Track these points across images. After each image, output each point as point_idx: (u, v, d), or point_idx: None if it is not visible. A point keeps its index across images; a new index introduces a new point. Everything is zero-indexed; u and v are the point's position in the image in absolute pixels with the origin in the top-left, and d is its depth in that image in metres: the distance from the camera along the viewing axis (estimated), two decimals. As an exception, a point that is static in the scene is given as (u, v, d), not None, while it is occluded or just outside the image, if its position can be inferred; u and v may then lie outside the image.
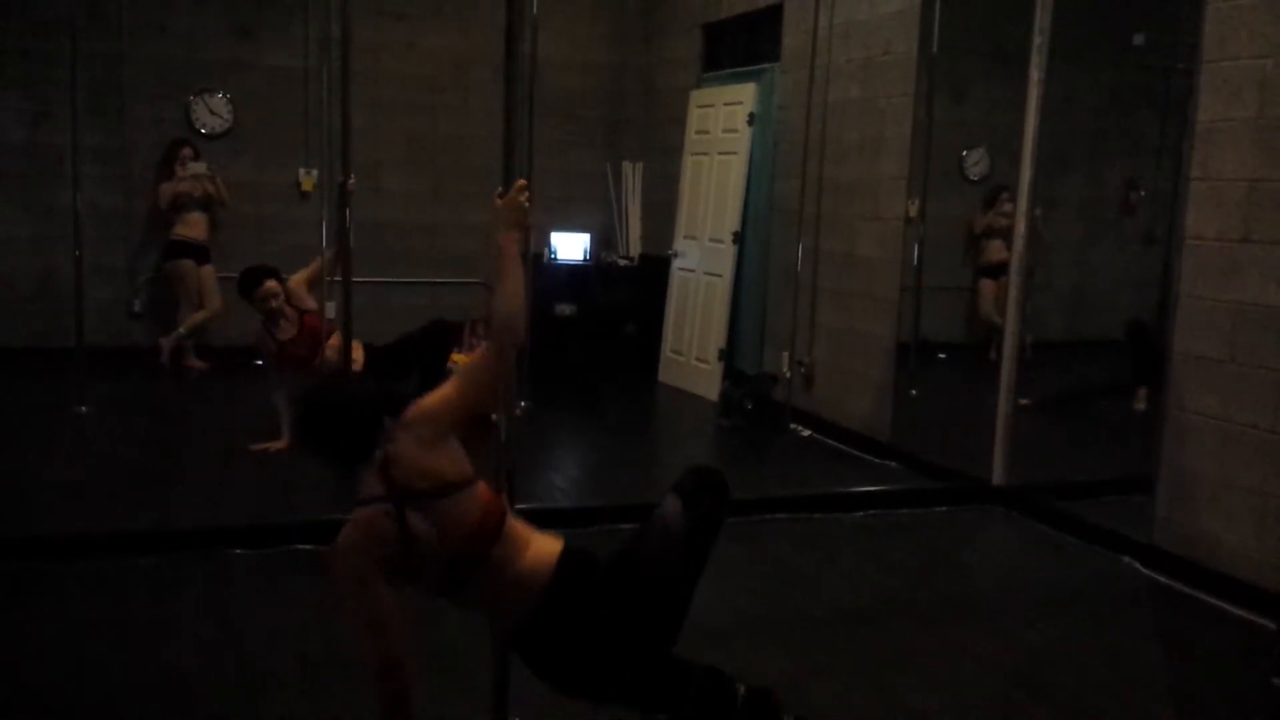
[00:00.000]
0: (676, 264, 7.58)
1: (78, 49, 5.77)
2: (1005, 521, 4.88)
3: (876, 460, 5.63)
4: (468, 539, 2.31)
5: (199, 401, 6.67)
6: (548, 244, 7.98)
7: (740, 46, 7.43)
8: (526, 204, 2.56)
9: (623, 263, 8.11)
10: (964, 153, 6.21)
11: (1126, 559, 4.28)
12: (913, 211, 5.68)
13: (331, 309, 5.27)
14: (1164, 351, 4.18)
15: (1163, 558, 4.15)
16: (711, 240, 7.19)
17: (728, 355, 7.00)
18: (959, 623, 3.67)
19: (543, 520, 4.02)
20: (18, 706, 2.80)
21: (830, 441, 6.03)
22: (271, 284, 5.28)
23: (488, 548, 2.32)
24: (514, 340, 2.44)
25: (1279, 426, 3.76)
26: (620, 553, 2.48)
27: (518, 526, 2.42)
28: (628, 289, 7.92)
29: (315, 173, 7.51)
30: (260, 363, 5.65)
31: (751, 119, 6.93)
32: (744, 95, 7.01)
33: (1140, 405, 5.45)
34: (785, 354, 6.46)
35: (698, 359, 7.23)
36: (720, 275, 7.05)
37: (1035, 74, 4.86)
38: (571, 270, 7.99)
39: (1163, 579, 4.10)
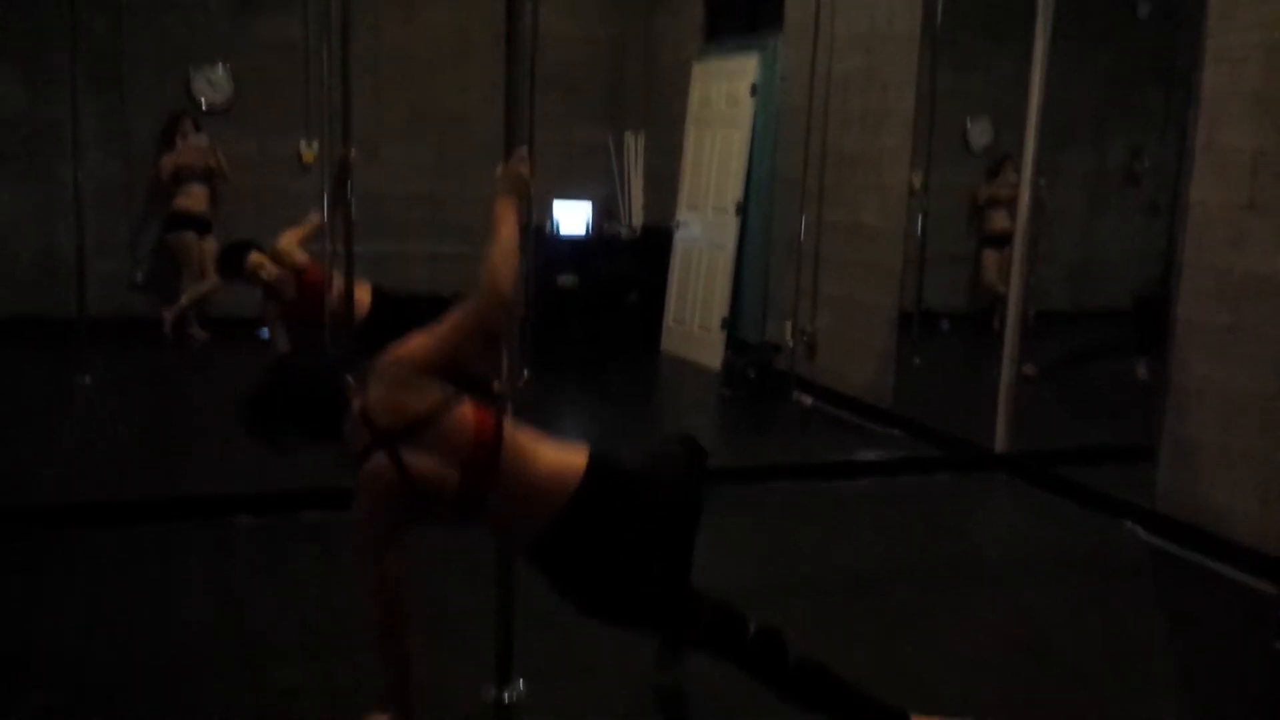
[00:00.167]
0: (679, 235, 7.56)
1: (77, 21, 5.75)
2: (1008, 489, 4.89)
3: (879, 428, 5.64)
4: (468, 458, 2.31)
5: (201, 372, 6.68)
6: (550, 215, 7.96)
7: (742, 17, 7.38)
8: (526, 173, 2.55)
9: (625, 234, 8.10)
10: (968, 123, 6.18)
11: (1129, 525, 4.29)
12: (916, 182, 5.67)
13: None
14: (1168, 321, 4.17)
15: (1165, 524, 4.16)
16: (714, 211, 7.18)
17: (730, 325, 7.00)
18: (962, 589, 3.68)
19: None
20: (25, 674, 2.81)
21: (833, 410, 6.04)
22: (254, 256, 5.21)
23: (491, 463, 2.33)
24: (494, 300, 2.41)
25: (1282, 393, 3.77)
26: (639, 468, 2.53)
27: (524, 439, 2.42)
28: (630, 260, 7.91)
29: (316, 144, 7.48)
30: (265, 334, 5.62)
31: (754, 90, 6.90)
32: (747, 66, 6.97)
33: (1142, 373, 5.45)
34: (788, 323, 6.46)
35: (700, 329, 7.23)
36: (723, 246, 7.04)
37: (1040, 43, 4.83)
38: (574, 242, 7.97)
39: (1165, 545, 4.11)
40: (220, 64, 7.52)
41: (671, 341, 7.56)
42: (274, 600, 3.35)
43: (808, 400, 6.21)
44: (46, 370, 6.17)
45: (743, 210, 6.96)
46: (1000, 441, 5.08)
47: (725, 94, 7.18)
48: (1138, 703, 2.92)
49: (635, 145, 8.17)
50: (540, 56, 6.20)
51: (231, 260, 5.28)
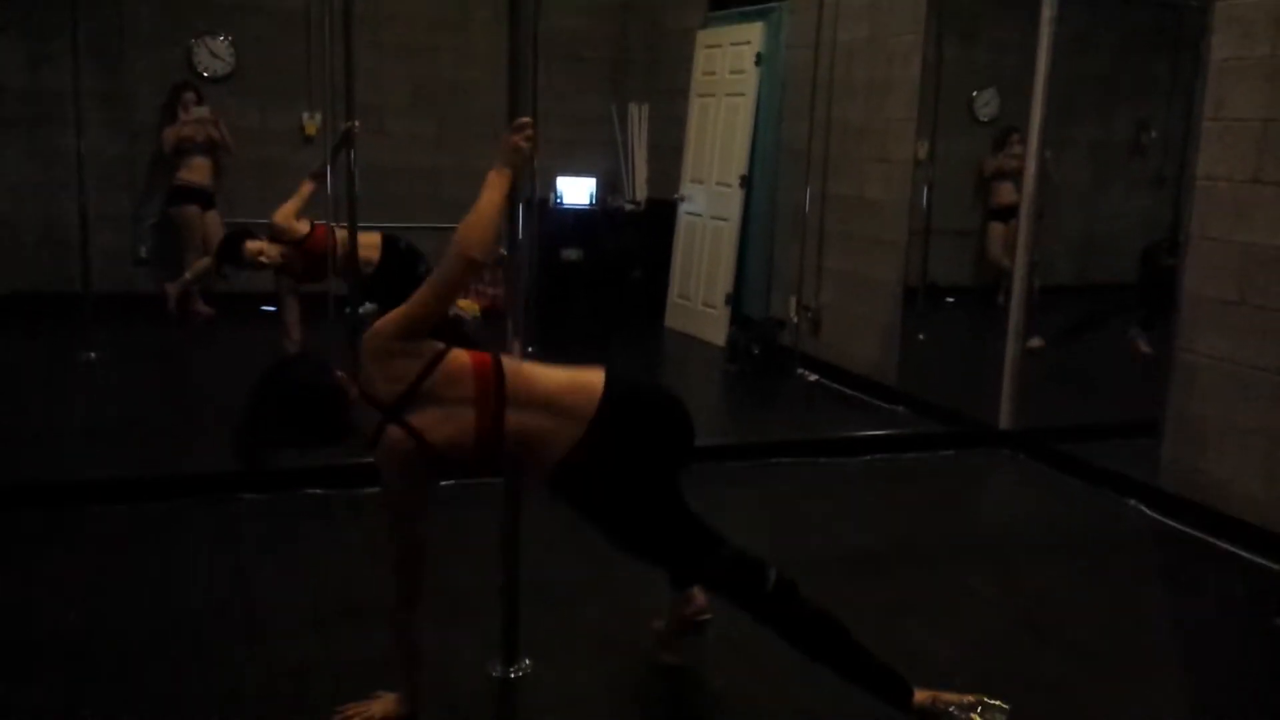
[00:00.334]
0: (683, 208, 7.53)
1: (77, -9, 5.71)
2: (1012, 465, 4.89)
3: (883, 404, 5.63)
4: (476, 396, 2.34)
5: (206, 347, 6.68)
6: (553, 189, 7.93)
7: (747, -15, 7.32)
8: (525, 145, 2.54)
9: (629, 207, 8.06)
10: (974, 93, 6.13)
11: (1132, 502, 4.30)
12: (921, 153, 5.63)
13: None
14: (1175, 279, 4.14)
15: (1169, 500, 4.16)
16: (718, 184, 7.14)
17: (734, 300, 6.99)
18: (965, 565, 3.69)
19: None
20: (32, 651, 2.83)
21: (837, 386, 6.03)
22: (250, 245, 5.19)
23: (499, 394, 2.35)
24: (462, 262, 2.42)
25: (1288, 369, 3.76)
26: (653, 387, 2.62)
27: (528, 367, 2.45)
28: (634, 234, 7.88)
29: (319, 116, 7.45)
30: (273, 308, 5.60)
31: (759, 59, 6.85)
32: (751, 35, 6.91)
33: (1146, 348, 5.43)
34: (792, 299, 6.44)
35: (704, 304, 7.21)
36: (727, 219, 7.01)
37: (1047, 13, 4.78)
38: (577, 215, 7.94)
39: (1168, 522, 4.12)
40: (222, 35, 7.48)
41: (675, 317, 7.55)
42: (279, 577, 3.36)
43: (812, 376, 6.20)
44: (50, 346, 6.18)
45: (747, 183, 6.93)
46: (1004, 418, 5.07)
47: (730, 63, 7.12)
48: (1139, 678, 2.93)
49: (639, 117, 8.11)
50: (543, 26, 6.18)
51: (229, 253, 5.27)
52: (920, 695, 2.52)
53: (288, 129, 7.64)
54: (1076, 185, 6.14)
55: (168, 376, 5.98)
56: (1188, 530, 4.04)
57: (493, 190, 2.50)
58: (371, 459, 2.39)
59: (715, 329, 6.96)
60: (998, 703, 2.56)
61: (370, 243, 5.21)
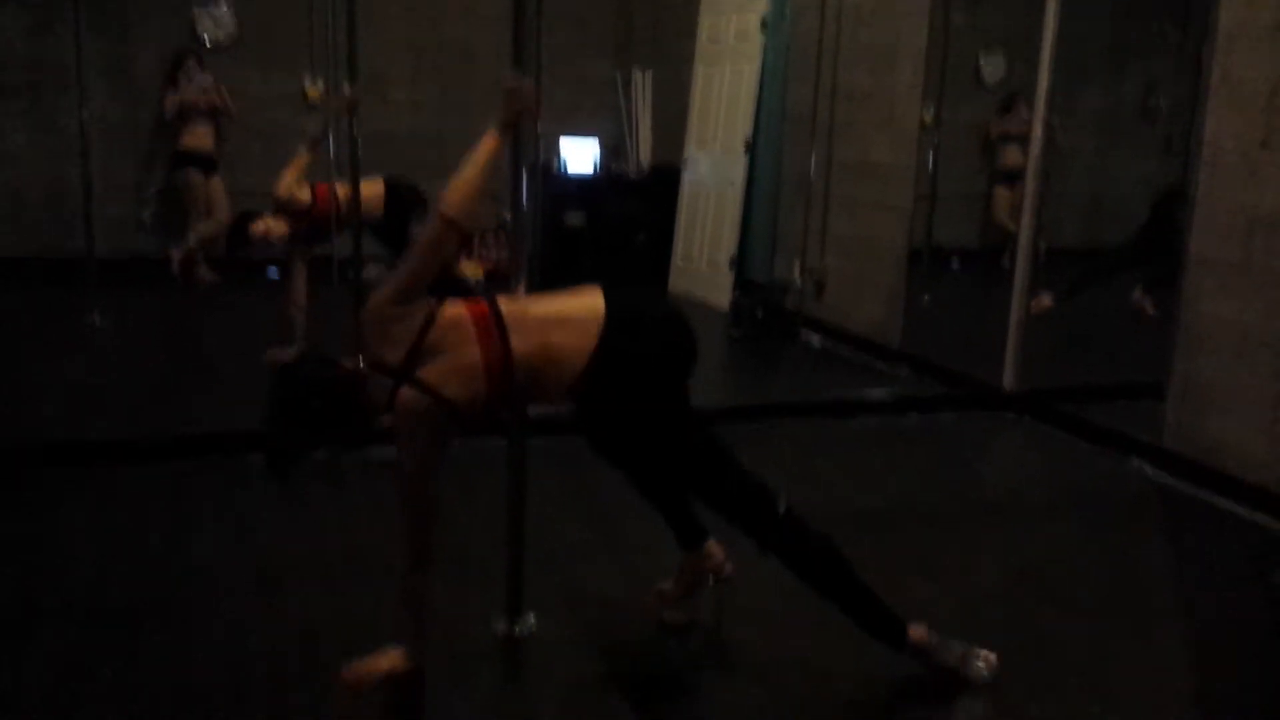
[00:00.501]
0: (687, 174, 7.51)
1: (79, -43, 5.69)
2: (1015, 426, 4.90)
3: (887, 367, 5.64)
4: (479, 338, 2.35)
5: (210, 312, 6.70)
6: (557, 154, 7.91)
7: (752, -52, 7.26)
8: (524, 91, 2.52)
9: (633, 173, 8.04)
10: (981, 57, 6.09)
11: (1136, 462, 4.31)
12: (928, 118, 5.60)
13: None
14: (1185, 219, 4.12)
15: (1172, 461, 4.17)
16: (723, 150, 7.11)
17: (739, 264, 6.98)
18: (968, 526, 3.71)
19: (554, 430, 4.08)
20: (39, 610, 2.86)
21: (841, 349, 6.04)
22: (256, 226, 5.18)
23: (501, 332, 2.36)
24: (442, 221, 2.40)
25: (1293, 330, 3.75)
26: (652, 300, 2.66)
27: (525, 301, 2.48)
28: (638, 199, 7.86)
29: (320, 82, 7.42)
30: (273, 273, 5.61)
31: (764, 24, 6.80)
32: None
33: (1150, 309, 5.41)
34: (796, 262, 6.44)
35: (708, 268, 7.20)
36: (732, 184, 6.99)
37: (1054, -26, 4.75)
38: (581, 181, 7.93)
39: (1172, 482, 4.13)
40: (224, 2, 7.44)
41: (679, 281, 7.54)
42: (287, 536, 3.38)
43: (816, 339, 6.21)
44: (56, 311, 6.20)
45: (751, 148, 6.90)
46: (1008, 379, 5.08)
47: (734, 28, 7.08)
48: (1140, 635, 2.95)
49: (643, 82, 8.07)
50: (547, -10, 6.14)
51: (238, 238, 5.24)
52: (915, 632, 2.57)
53: (290, 94, 7.61)
54: (1083, 149, 6.11)
55: (172, 340, 6.00)
56: (1190, 490, 4.05)
57: (480, 151, 2.48)
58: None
59: (719, 293, 6.96)
60: (985, 653, 2.61)
61: (373, 193, 5.21)
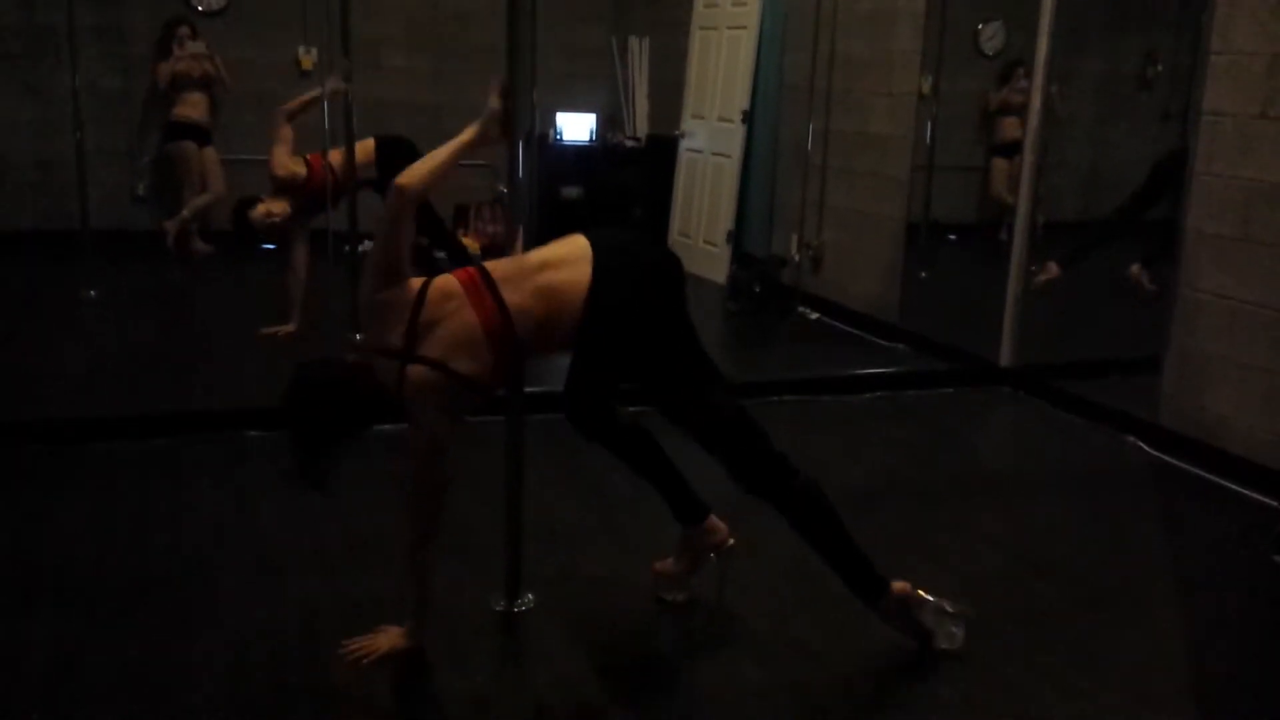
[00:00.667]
0: (684, 144, 7.46)
1: (68, -77, 5.61)
2: (1013, 402, 4.91)
3: (884, 342, 5.63)
4: (474, 304, 2.37)
5: (206, 285, 6.67)
6: (553, 124, 7.85)
7: (750, -85, 7.17)
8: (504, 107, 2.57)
9: (629, 143, 7.99)
10: (979, 26, 6.04)
11: (1132, 439, 4.31)
12: (926, 88, 5.56)
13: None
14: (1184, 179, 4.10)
15: (1169, 437, 4.18)
16: (720, 120, 7.07)
17: (736, 238, 6.95)
18: (966, 502, 3.72)
19: (553, 403, 4.06)
20: (36, 590, 2.86)
21: (838, 324, 6.03)
22: (257, 212, 5.14)
23: (494, 292, 2.38)
24: (394, 194, 2.44)
25: (1291, 306, 3.75)
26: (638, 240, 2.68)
27: (511, 261, 2.50)
28: (634, 171, 7.82)
29: (315, 51, 7.36)
30: (272, 245, 5.58)
31: (762, -12, 6.73)
32: (753, -34, 6.79)
33: (1148, 284, 5.40)
34: (794, 236, 6.42)
35: (705, 242, 7.18)
36: (729, 156, 6.95)
37: (1055, -57, 4.70)
38: (577, 151, 7.88)
39: (1168, 458, 4.14)
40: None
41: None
42: (286, 514, 3.38)
43: (813, 314, 6.20)
44: (50, 284, 6.17)
45: (749, 118, 6.86)
46: (1006, 355, 5.08)
47: (732, -7, 7.01)
48: (1138, 614, 2.97)
49: (639, 51, 8.01)
50: (542, -42, 6.09)
51: (242, 228, 5.20)
52: (897, 586, 2.60)
53: (284, 63, 7.55)
54: (1082, 120, 6.07)
55: (168, 314, 5.98)
56: (1187, 467, 4.06)
57: (454, 142, 2.53)
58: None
59: (716, 267, 6.94)
60: (960, 609, 2.65)
61: (365, 153, 5.18)
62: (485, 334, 2.37)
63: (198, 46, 6.99)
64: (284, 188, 5.13)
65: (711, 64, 7.17)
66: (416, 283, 2.43)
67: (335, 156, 5.17)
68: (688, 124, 7.43)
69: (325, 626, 2.67)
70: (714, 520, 2.86)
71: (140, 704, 2.37)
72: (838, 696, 2.55)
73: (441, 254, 5.33)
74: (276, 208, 5.11)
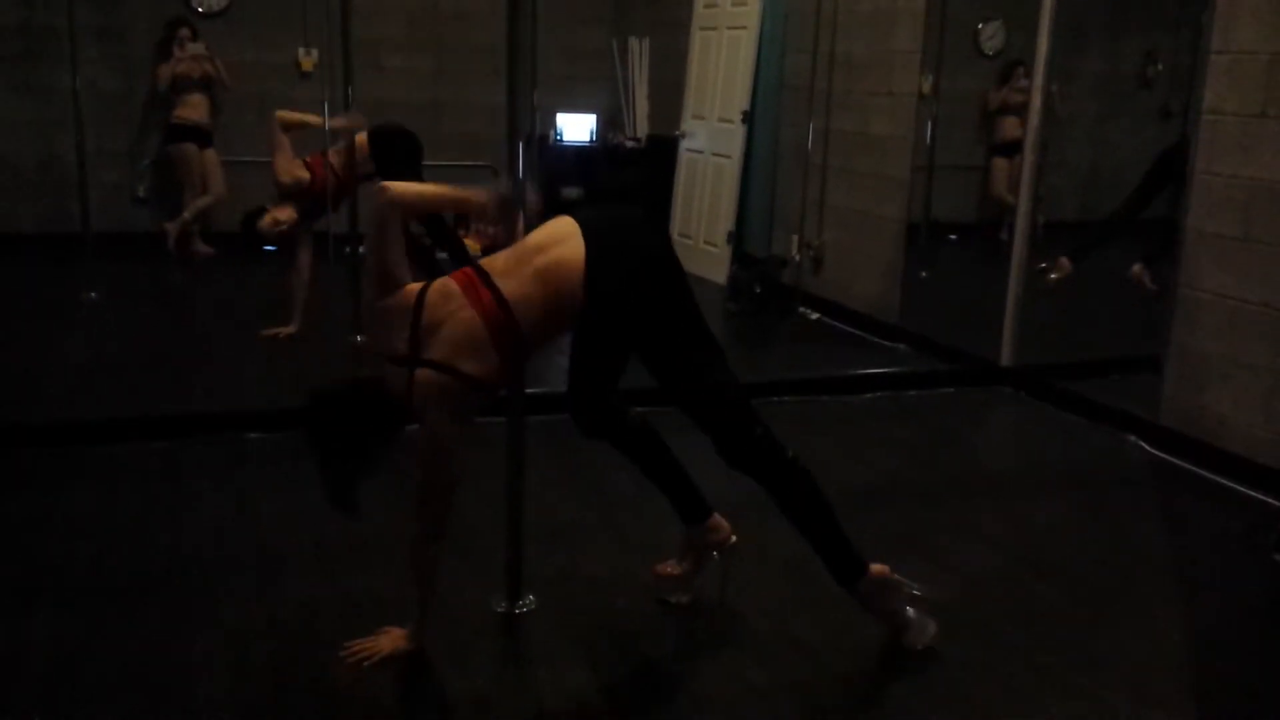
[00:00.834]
0: (685, 145, 7.46)
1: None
2: (1013, 402, 4.90)
3: (885, 342, 5.63)
4: (472, 303, 2.38)
5: (207, 287, 6.67)
6: (553, 125, 7.86)
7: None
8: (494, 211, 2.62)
9: (630, 144, 7.99)
10: (980, 25, 6.04)
11: (1133, 438, 4.31)
12: (926, 87, 5.56)
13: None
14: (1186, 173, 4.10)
15: (1169, 437, 4.18)
16: (720, 120, 7.06)
17: (736, 238, 6.95)
18: (966, 502, 3.72)
19: (554, 403, 4.06)
20: (36, 590, 2.86)
21: (839, 324, 6.03)
22: (265, 222, 5.15)
23: (493, 289, 2.39)
24: (381, 193, 2.49)
25: (1291, 306, 3.75)
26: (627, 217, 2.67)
27: (504, 255, 2.49)
28: (635, 171, 7.82)
29: (315, 52, 7.36)
30: (273, 248, 5.58)
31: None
32: (753, -33, 6.79)
33: (1148, 283, 5.40)
34: (794, 236, 6.42)
35: (706, 242, 7.18)
36: (729, 156, 6.95)
37: (1055, -57, 4.70)
38: (578, 151, 7.88)
39: (1169, 458, 4.14)
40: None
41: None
42: (286, 515, 3.38)
43: (813, 314, 6.20)
44: (51, 286, 6.17)
45: (749, 119, 6.86)
46: (1006, 355, 5.08)
47: (732, -7, 7.01)
48: (1138, 614, 2.96)
49: (640, 51, 8.01)
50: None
51: (252, 238, 5.20)
52: (875, 568, 2.62)
53: (284, 64, 7.56)
54: (1082, 119, 6.07)
55: (169, 315, 5.98)
56: (1187, 466, 4.06)
57: (445, 190, 2.62)
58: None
59: (717, 267, 6.94)
60: (927, 595, 2.71)
61: (360, 145, 5.18)
62: (487, 330, 2.37)
63: (198, 48, 7.00)
64: (289, 193, 5.14)
65: (712, 64, 7.17)
66: (415, 288, 2.44)
67: (335, 156, 5.18)
68: (688, 124, 7.43)
69: (325, 626, 2.67)
70: (717, 518, 2.87)
71: (140, 704, 2.36)
72: (838, 696, 2.55)
73: (443, 254, 5.31)
74: (283, 215, 5.12)
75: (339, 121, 5.13)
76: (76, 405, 4.23)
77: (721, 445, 2.56)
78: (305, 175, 5.16)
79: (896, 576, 2.66)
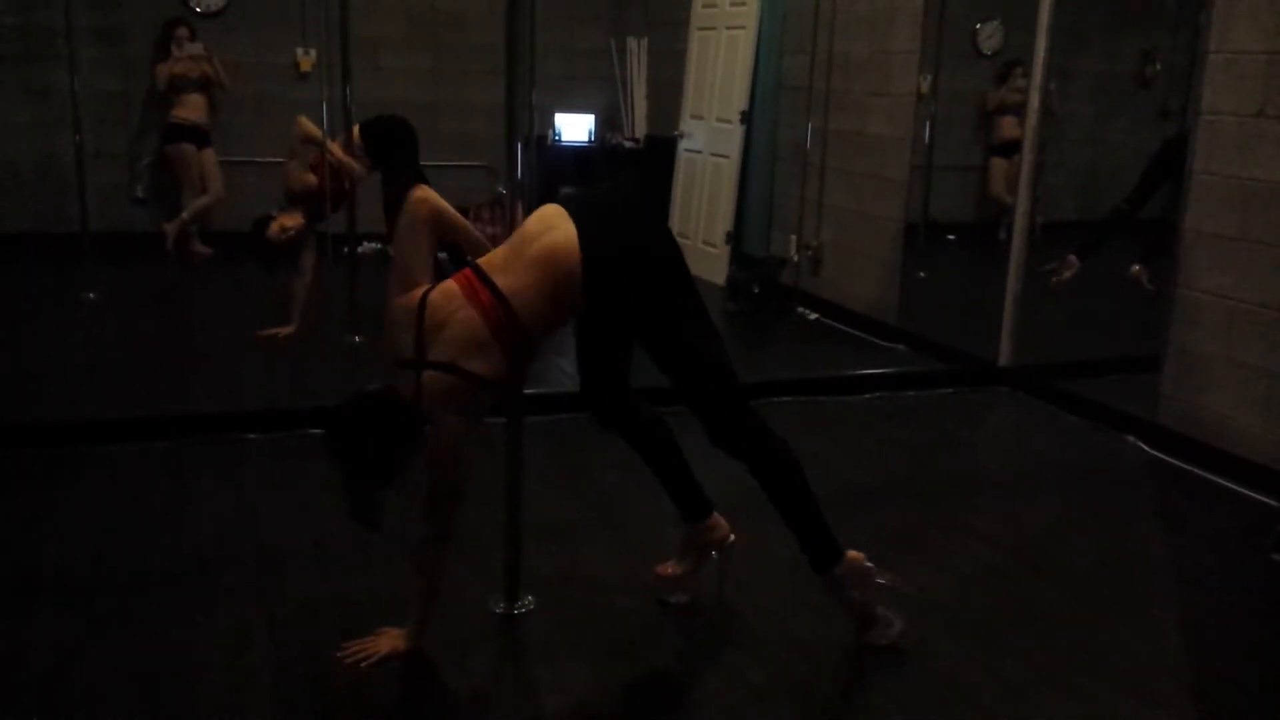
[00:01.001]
0: (683, 145, 7.46)
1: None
2: (1011, 402, 4.91)
3: (883, 343, 5.63)
4: (472, 303, 2.38)
5: (205, 287, 6.67)
6: (552, 125, 7.86)
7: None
8: None
9: (628, 144, 8.00)
10: (978, 25, 6.05)
11: (1131, 438, 4.32)
12: (924, 87, 5.57)
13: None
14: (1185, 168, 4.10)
15: (1167, 436, 4.18)
16: (719, 120, 7.07)
17: (735, 238, 6.96)
18: (964, 502, 3.72)
19: (553, 404, 4.07)
20: (35, 590, 2.86)
21: (837, 325, 6.03)
22: (273, 231, 5.15)
23: (492, 288, 2.39)
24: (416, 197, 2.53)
25: (1289, 306, 3.75)
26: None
27: (499, 252, 2.49)
28: (633, 171, 7.82)
29: (313, 52, 7.36)
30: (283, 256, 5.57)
31: (760, -12, 6.74)
32: (752, -33, 6.80)
33: (1147, 282, 5.40)
34: (793, 237, 6.42)
35: (704, 242, 7.18)
36: (727, 156, 6.95)
37: (1053, -57, 4.70)
38: (576, 152, 7.88)
39: (1167, 458, 4.14)
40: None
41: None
42: (285, 516, 3.38)
43: (812, 315, 6.20)
44: (50, 286, 6.17)
45: (747, 119, 6.86)
46: (1004, 355, 5.08)
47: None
48: (1137, 614, 2.97)
49: (638, 51, 8.02)
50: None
51: (262, 249, 5.19)
52: (851, 555, 2.65)
53: (282, 64, 7.56)
54: (1080, 119, 6.08)
55: (168, 316, 5.98)
56: (1186, 466, 4.06)
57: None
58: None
59: (715, 267, 6.94)
60: (899, 583, 2.77)
61: (353, 140, 5.19)
62: (488, 328, 2.37)
63: (196, 48, 6.99)
64: (297, 199, 5.16)
65: (710, 64, 7.17)
66: (418, 292, 2.45)
67: (335, 148, 5.17)
68: (686, 124, 7.43)
69: (325, 626, 2.67)
70: (716, 517, 2.88)
71: (140, 704, 2.36)
72: (836, 696, 2.56)
73: (443, 254, 5.32)
74: (291, 222, 5.14)
75: (349, 160, 5.15)
76: (76, 405, 4.23)
77: (710, 423, 2.58)
78: (313, 179, 5.18)
79: (869, 564, 2.68)
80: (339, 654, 2.53)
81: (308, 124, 5.14)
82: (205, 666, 2.51)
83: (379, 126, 5.33)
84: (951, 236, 6.26)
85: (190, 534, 3.23)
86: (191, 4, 7.32)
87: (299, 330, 5.18)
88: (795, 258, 6.35)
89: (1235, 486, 3.86)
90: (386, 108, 7.55)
